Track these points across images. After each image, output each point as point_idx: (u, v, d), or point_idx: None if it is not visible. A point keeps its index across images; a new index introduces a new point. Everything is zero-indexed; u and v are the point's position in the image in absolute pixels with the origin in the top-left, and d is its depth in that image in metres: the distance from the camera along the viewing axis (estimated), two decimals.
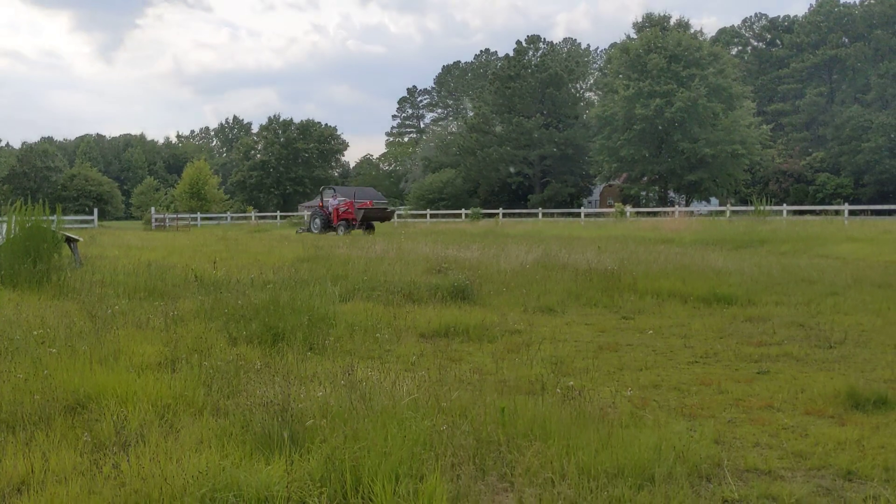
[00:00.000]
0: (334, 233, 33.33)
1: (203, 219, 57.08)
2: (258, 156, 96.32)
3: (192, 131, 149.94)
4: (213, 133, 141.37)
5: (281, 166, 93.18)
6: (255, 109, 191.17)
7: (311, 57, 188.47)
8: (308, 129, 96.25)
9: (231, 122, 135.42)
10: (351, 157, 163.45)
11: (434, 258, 15.69)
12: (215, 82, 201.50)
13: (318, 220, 35.43)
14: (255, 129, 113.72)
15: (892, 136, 68.62)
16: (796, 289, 12.04)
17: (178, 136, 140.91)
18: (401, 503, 3.76)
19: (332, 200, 36.06)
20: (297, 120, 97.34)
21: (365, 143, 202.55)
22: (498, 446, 4.47)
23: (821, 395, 5.89)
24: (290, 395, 4.96)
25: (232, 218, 60.80)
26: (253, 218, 60.55)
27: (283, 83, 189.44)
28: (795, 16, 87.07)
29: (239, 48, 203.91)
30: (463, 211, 54.20)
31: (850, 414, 5.48)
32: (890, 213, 41.47)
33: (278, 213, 62.62)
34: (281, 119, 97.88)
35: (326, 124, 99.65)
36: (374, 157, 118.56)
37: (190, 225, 51.87)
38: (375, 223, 35.32)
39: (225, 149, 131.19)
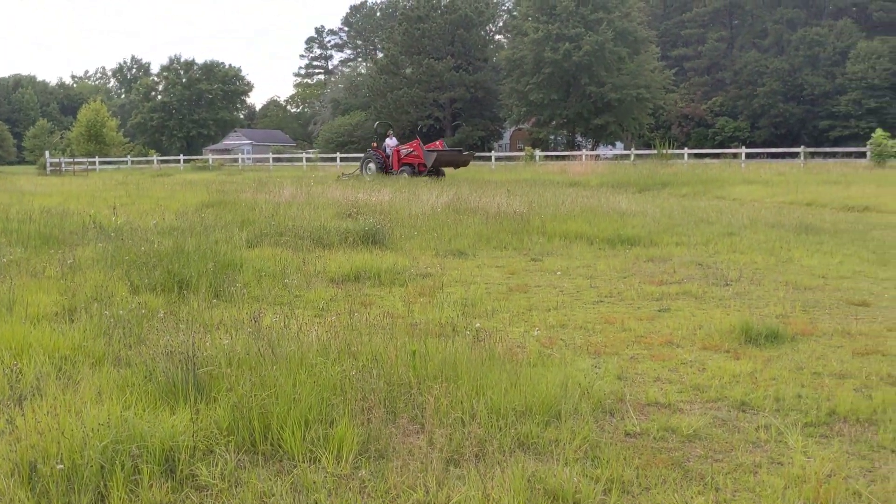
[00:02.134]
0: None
1: (102, 163, 54.71)
2: (159, 97, 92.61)
3: (87, 72, 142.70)
4: (110, 73, 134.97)
5: (184, 108, 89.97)
6: (156, 49, 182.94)
7: None
8: (212, 70, 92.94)
9: (130, 62, 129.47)
10: (257, 99, 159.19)
11: (344, 202, 15.54)
12: (113, 21, 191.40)
13: (372, 165, 30.66)
14: (155, 69, 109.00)
15: (787, 80, 71.17)
16: (696, 230, 12.47)
17: (73, 77, 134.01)
18: (311, 449, 3.76)
19: (391, 141, 31.38)
20: (200, 61, 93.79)
21: (272, 84, 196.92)
22: (409, 389, 4.51)
23: (717, 330, 6.16)
24: (194, 343, 4.85)
25: (133, 162, 58.49)
26: (155, 162, 58.43)
27: (186, 23, 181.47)
28: None
29: None
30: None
31: (745, 348, 5.75)
32: (783, 155, 43.23)
33: (182, 157, 60.59)
34: (183, 59, 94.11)
35: (231, 65, 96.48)
36: (282, 99, 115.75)
37: (88, 169, 49.66)
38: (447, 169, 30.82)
39: (124, 90, 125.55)
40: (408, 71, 66.69)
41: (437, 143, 30.79)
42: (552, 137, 62.98)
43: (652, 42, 61.20)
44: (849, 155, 40.65)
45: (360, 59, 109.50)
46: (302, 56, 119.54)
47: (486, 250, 10.83)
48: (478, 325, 6.00)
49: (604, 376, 5.05)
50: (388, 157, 30.32)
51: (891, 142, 32.19)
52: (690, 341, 5.99)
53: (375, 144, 31.85)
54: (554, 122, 60.73)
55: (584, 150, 52.10)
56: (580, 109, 57.11)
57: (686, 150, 43.30)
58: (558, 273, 9.07)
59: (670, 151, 39.08)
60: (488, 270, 9.34)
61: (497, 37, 77.18)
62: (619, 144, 63.58)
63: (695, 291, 7.88)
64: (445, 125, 67.46)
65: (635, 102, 56.14)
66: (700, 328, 6.33)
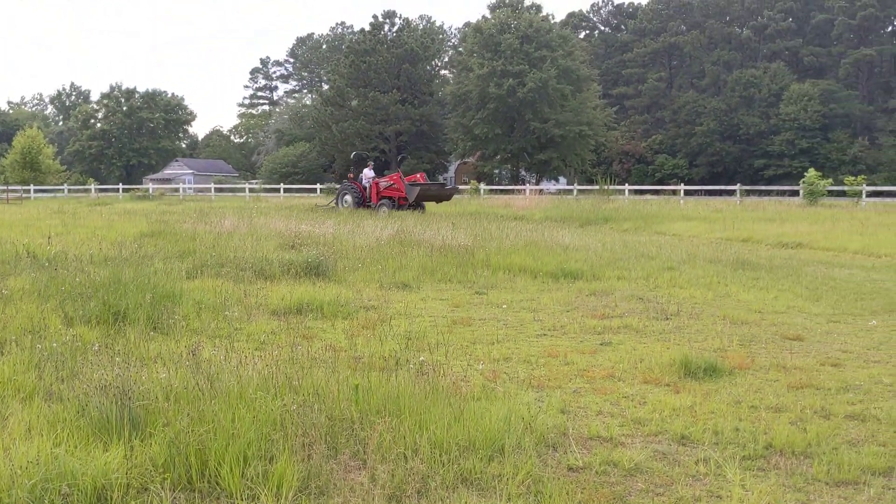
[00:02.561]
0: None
1: (37, 191, 53.26)
2: (98, 125, 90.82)
3: (24, 98, 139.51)
4: (48, 100, 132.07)
5: (124, 137, 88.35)
6: (97, 76, 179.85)
7: (158, 23, 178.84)
8: (154, 99, 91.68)
9: (69, 88, 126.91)
10: (200, 128, 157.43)
11: (287, 234, 15.40)
12: (52, 47, 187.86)
13: (348, 197, 29.15)
14: (95, 97, 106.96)
15: (723, 120, 73.39)
16: (637, 264, 12.67)
17: (9, 103, 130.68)
18: (249, 486, 3.67)
19: (369, 172, 29.84)
20: (142, 89, 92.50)
21: (216, 114, 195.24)
22: (351, 424, 4.44)
23: (658, 364, 6.24)
24: (130, 377, 4.71)
25: (70, 191, 57.12)
26: (93, 191, 57.13)
27: (128, 50, 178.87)
28: (639, 3, 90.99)
29: None
30: (318, 186, 53.41)
31: (684, 382, 5.83)
32: (720, 193, 44.40)
33: (121, 186, 59.41)
34: (124, 87, 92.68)
35: (173, 94, 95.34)
36: (225, 129, 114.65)
37: (22, 198, 48.29)
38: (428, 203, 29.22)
39: (62, 117, 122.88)
40: (353, 103, 66.82)
41: (418, 175, 29.50)
42: (497, 171, 63.66)
43: (594, 80, 62.60)
44: (783, 193, 41.96)
45: (305, 91, 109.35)
46: (246, 86, 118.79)
47: (431, 283, 10.82)
48: (422, 358, 5.97)
49: (547, 410, 5.06)
50: (365, 189, 29.06)
51: (822, 181, 33.37)
52: (632, 375, 6.05)
53: (352, 176, 30.70)
54: (498, 157, 61.43)
55: (528, 185, 52.76)
56: (524, 144, 57.91)
57: (627, 187, 44.21)
58: (502, 306, 9.11)
59: (612, 187, 39.85)
60: (433, 303, 9.33)
61: (443, 72, 78.05)
62: (562, 179, 64.56)
63: (636, 325, 7.99)
64: (391, 158, 67.65)
65: (578, 139, 57.19)
66: (641, 362, 6.41)
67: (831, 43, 76.55)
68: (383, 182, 28.56)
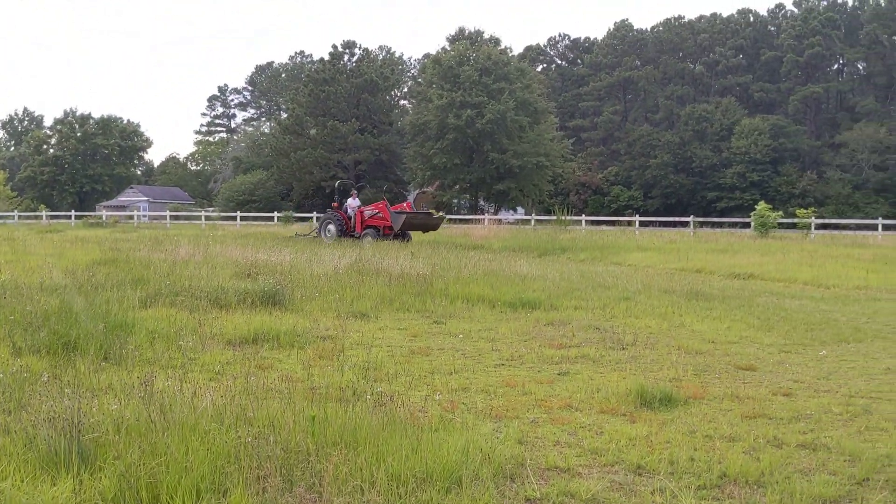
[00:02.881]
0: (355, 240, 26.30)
1: None
2: (51, 151, 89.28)
3: None
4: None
5: (77, 163, 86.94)
6: (51, 102, 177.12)
7: (118, 49, 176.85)
8: (109, 125, 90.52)
9: (21, 113, 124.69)
10: (156, 155, 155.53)
11: (244, 262, 15.23)
12: (4, 71, 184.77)
13: (332, 226, 28.21)
14: (48, 122, 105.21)
15: (677, 153, 74.90)
16: (593, 294, 12.78)
17: None
18: None
19: (353, 201, 29.21)
20: (97, 115, 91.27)
21: (172, 141, 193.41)
22: (307, 456, 4.38)
23: (614, 394, 6.28)
24: (80, 408, 4.60)
25: (20, 217, 55.92)
26: (45, 217, 56.01)
27: (84, 76, 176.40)
28: (595, 38, 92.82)
29: None
30: (276, 214, 53.06)
31: (640, 411, 5.88)
32: (674, 224, 45.16)
33: (73, 213, 58.36)
34: (78, 113, 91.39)
35: (129, 120, 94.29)
36: (181, 156, 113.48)
37: None
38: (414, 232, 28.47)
39: (13, 142, 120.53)
40: (312, 132, 66.76)
41: (405, 204, 29.00)
42: (455, 201, 63.92)
43: (551, 113, 63.47)
44: (734, 225, 42.81)
45: (263, 119, 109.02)
46: (204, 114, 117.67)
47: (389, 312, 10.78)
48: (379, 388, 5.94)
49: (505, 441, 5.05)
50: (349, 218, 28.30)
51: (773, 214, 34.14)
52: (589, 405, 6.07)
53: (336, 204, 29.67)
54: (457, 186, 61.74)
55: (486, 214, 53.05)
56: (483, 175, 58.31)
57: (584, 217, 44.75)
58: (460, 336, 9.10)
59: (569, 218, 40.33)
60: (390, 333, 9.29)
61: (402, 102, 78.49)
62: (520, 209, 65.04)
63: (593, 355, 8.04)
64: (349, 186, 67.64)
65: (535, 170, 57.79)
66: (598, 392, 6.44)
67: (780, 79, 78.82)
68: (368, 211, 27.99)
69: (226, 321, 9.20)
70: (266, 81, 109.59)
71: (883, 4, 76.02)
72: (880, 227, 39.98)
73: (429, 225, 28.44)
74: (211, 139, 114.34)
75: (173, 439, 4.17)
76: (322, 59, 73.23)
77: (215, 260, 15.81)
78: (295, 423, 4.74)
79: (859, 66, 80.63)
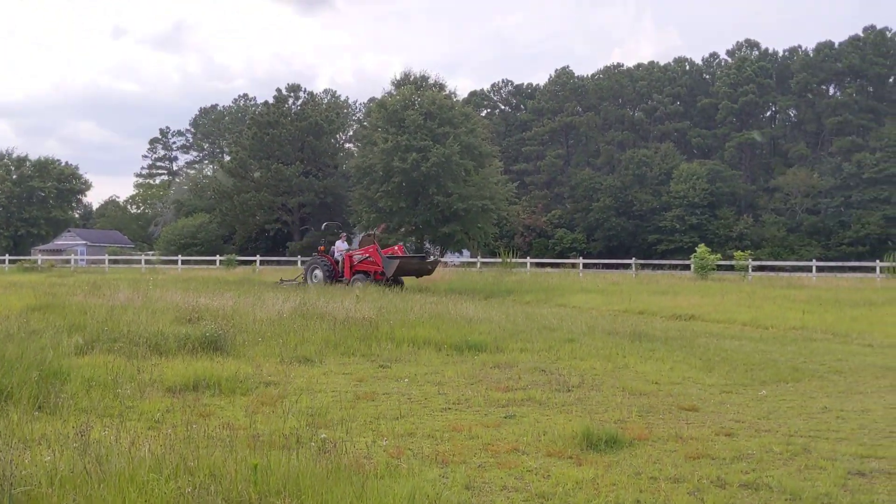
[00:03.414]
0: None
1: None
2: None
3: None
4: None
5: (12, 206, 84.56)
6: None
7: (55, 90, 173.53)
8: (46, 167, 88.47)
9: None
10: (95, 198, 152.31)
11: (185, 307, 14.93)
12: None
13: (318, 272, 26.59)
14: None
15: (618, 196, 76.43)
16: (539, 336, 12.85)
17: None
18: None
19: (342, 244, 27.65)
20: (34, 157, 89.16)
21: (111, 184, 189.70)
22: None
23: (561, 436, 6.28)
24: (12, 460, 4.41)
25: None
26: None
27: (21, 117, 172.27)
28: (537, 84, 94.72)
29: None
30: (218, 257, 52.29)
31: (586, 454, 5.89)
32: (617, 266, 45.84)
33: (7, 257, 56.62)
34: (14, 155, 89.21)
35: (67, 163, 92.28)
36: (121, 199, 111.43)
37: None
38: (408, 278, 26.73)
39: None
40: (256, 174, 66.32)
41: (396, 247, 27.34)
42: (401, 244, 63.93)
43: (496, 156, 64.24)
44: (675, 267, 43.67)
45: (206, 161, 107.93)
46: (145, 156, 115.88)
47: (334, 357, 10.65)
48: (323, 435, 5.84)
49: (451, 486, 5.00)
50: (337, 262, 26.70)
51: (712, 256, 34.95)
52: (535, 448, 6.06)
53: (323, 248, 28.12)
54: (403, 229, 61.79)
55: (432, 257, 53.11)
56: (428, 217, 58.52)
57: (529, 260, 45.18)
58: (406, 380, 9.03)
59: (514, 260, 40.72)
60: (335, 378, 9.17)
61: (347, 145, 78.65)
62: (465, 252, 65.34)
63: (539, 397, 8.05)
64: (294, 229, 67.16)
65: (481, 212, 58.24)
66: (544, 434, 6.44)
67: (716, 126, 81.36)
68: (357, 255, 26.32)
69: (166, 367, 8.98)
70: (209, 124, 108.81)
71: (811, 55, 79.43)
72: (814, 269, 41.19)
73: (423, 270, 26.70)
74: (152, 182, 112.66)
75: (110, 491, 4.02)
76: (266, 103, 73.11)
77: (155, 304, 15.47)
78: (237, 473, 4.62)
79: (791, 113, 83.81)
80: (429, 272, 26.79)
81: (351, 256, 26.32)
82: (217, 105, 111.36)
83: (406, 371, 9.67)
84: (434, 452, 5.86)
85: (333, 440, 5.68)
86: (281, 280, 28.66)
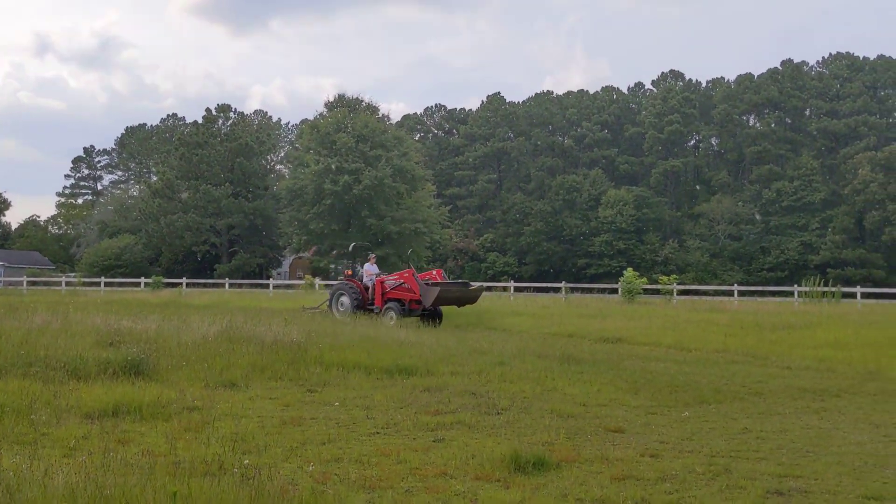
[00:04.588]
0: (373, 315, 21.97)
1: None
2: None
3: None
4: None
5: None
6: None
7: None
8: None
9: None
10: (14, 218, 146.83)
11: (106, 330, 14.45)
12: None
13: (345, 299, 23.23)
14: None
15: (549, 221, 77.62)
16: (469, 359, 12.86)
17: None
18: None
19: (371, 268, 24.23)
20: None
21: (32, 203, 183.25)
22: None
23: (489, 459, 6.28)
24: None
25: None
26: None
27: None
28: (470, 109, 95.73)
29: None
30: (143, 280, 50.94)
31: (514, 477, 5.90)
32: (547, 290, 46.36)
33: None
34: None
35: None
36: (42, 218, 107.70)
37: None
38: (448, 308, 23.35)
39: None
40: (184, 196, 65.07)
41: (434, 272, 23.96)
42: (333, 267, 63.46)
43: (428, 180, 64.56)
44: (603, 291, 44.34)
45: (132, 182, 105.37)
46: (68, 175, 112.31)
47: (261, 381, 10.45)
48: (247, 461, 5.71)
49: None
50: (367, 289, 23.32)
51: (638, 280, 35.64)
52: (463, 471, 6.04)
53: (350, 272, 25.13)
54: (335, 252, 61.40)
55: None
56: (361, 240, 58.33)
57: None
58: (335, 404, 8.92)
59: None
60: (261, 403, 8.99)
61: (278, 166, 77.89)
62: None
63: (468, 421, 8.04)
64: (222, 251, 66.01)
65: (413, 236, 58.34)
66: (473, 458, 6.43)
67: (643, 153, 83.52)
68: (390, 280, 23.00)
69: (84, 392, 8.66)
70: (136, 143, 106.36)
71: (733, 87, 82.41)
72: (736, 293, 42.40)
73: (465, 298, 23.22)
74: (75, 202, 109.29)
75: None
76: (195, 122, 72.01)
77: (75, 328, 14.93)
78: (156, 501, 4.47)
79: (713, 142, 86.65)
80: (472, 301, 23.40)
81: (382, 282, 23.09)
82: (144, 124, 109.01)
83: (334, 395, 9.55)
84: (361, 478, 5.79)
85: (258, 466, 5.56)
86: (303, 308, 25.37)
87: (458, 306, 23.56)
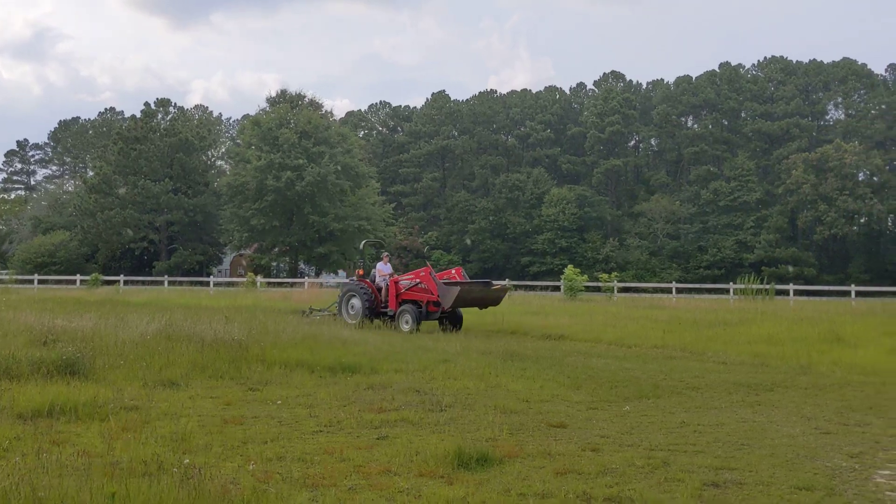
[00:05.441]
0: (386, 321, 20.46)
1: None
2: None
3: None
4: None
5: None
6: None
7: None
8: None
9: None
10: None
11: (40, 328, 14.05)
12: None
13: (356, 300, 21.27)
14: None
15: (492, 219, 78.10)
16: (413, 356, 12.87)
17: None
18: None
19: (385, 267, 22.17)
20: None
21: None
22: None
23: (433, 456, 6.29)
24: None
25: None
26: None
27: None
28: (415, 107, 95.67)
29: None
30: (79, 277, 49.63)
31: (458, 473, 5.93)
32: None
33: None
34: None
35: None
36: None
37: None
38: (467, 309, 21.44)
39: None
40: (121, 191, 63.55)
41: (454, 271, 21.90)
42: (275, 264, 62.75)
43: (373, 177, 64.29)
44: (546, 288, 44.81)
45: (67, 177, 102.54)
46: (0, 169, 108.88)
47: (201, 380, 10.28)
48: (187, 461, 5.61)
49: None
50: (380, 290, 21.38)
51: (580, 278, 36.14)
52: (407, 468, 6.05)
53: (362, 272, 22.61)
54: (277, 249, 60.72)
55: (307, 278, 52.39)
56: (303, 237, 57.77)
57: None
58: (277, 403, 8.83)
59: None
60: (202, 402, 8.85)
61: (219, 162, 76.63)
62: (341, 273, 64.83)
63: (412, 418, 8.05)
64: (161, 248, 64.73)
65: (357, 233, 58.03)
66: (417, 455, 6.44)
67: (585, 153, 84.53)
68: (405, 280, 21.16)
69: (17, 393, 8.41)
70: (71, 137, 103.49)
71: (672, 89, 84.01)
72: (674, 291, 43.33)
73: (488, 299, 21.22)
74: (7, 197, 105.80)
75: None
76: (134, 117, 70.38)
77: (6, 326, 14.50)
78: (93, 502, 4.37)
79: (653, 142, 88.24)
80: (495, 302, 21.50)
81: (397, 282, 21.21)
82: (79, 118, 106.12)
83: (277, 394, 9.45)
84: (304, 476, 5.75)
85: (198, 466, 5.47)
86: (310, 309, 23.33)
87: (480, 308, 21.67)
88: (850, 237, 71.43)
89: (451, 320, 20.39)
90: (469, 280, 21.79)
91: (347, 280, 24.24)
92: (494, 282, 23.64)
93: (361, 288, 21.40)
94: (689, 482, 5.81)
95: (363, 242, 26.64)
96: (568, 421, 8.13)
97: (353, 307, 21.34)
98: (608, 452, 6.75)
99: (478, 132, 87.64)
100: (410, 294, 20.58)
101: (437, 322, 20.29)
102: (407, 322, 19.63)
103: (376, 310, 21.03)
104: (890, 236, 72.74)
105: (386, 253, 23.64)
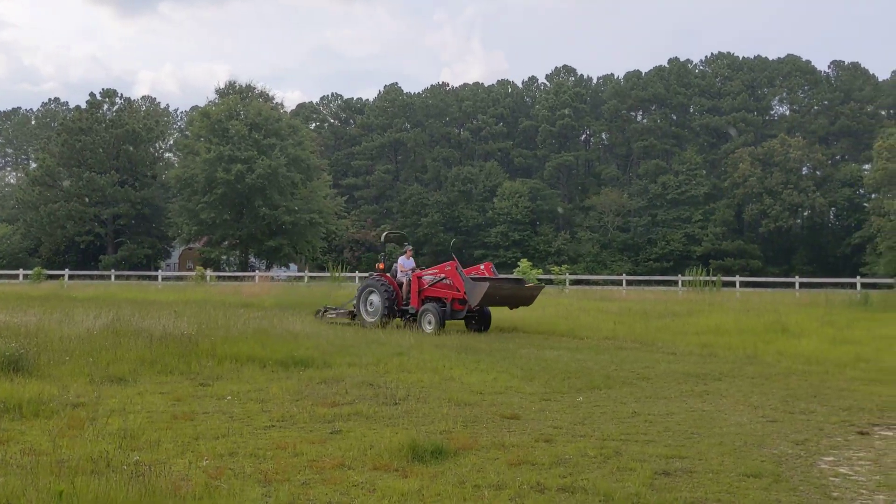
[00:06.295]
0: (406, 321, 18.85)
1: None
2: None
3: None
4: None
5: None
6: None
7: None
8: None
9: None
10: None
11: None
12: None
13: (374, 297, 19.38)
14: None
15: (445, 212, 78.20)
16: (367, 350, 12.82)
17: None
18: None
19: (407, 262, 20.18)
20: None
21: None
22: None
23: (387, 449, 6.28)
24: None
25: None
26: None
27: None
28: (367, 99, 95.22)
29: None
30: (21, 271, 48.34)
31: (412, 466, 5.92)
32: None
33: None
34: None
35: None
36: None
37: None
38: (495, 308, 19.49)
39: None
40: (66, 184, 62.05)
41: (482, 266, 19.78)
42: (224, 258, 61.93)
43: (324, 170, 63.86)
44: None
45: (9, 169, 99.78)
46: None
47: (150, 375, 10.10)
48: (136, 458, 5.51)
49: None
50: (401, 286, 19.51)
51: (533, 271, 36.40)
52: (362, 462, 6.02)
53: (382, 266, 20.47)
54: (226, 243, 59.97)
55: (257, 271, 51.84)
56: (253, 231, 57.12)
57: (357, 274, 45.03)
58: (228, 398, 8.72)
59: (343, 274, 40.43)
60: (151, 397, 8.69)
61: (167, 154, 75.29)
62: (292, 266, 64.30)
63: (366, 411, 8.02)
64: (107, 242, 63.38)
65: (308, 226, 57.59)
66: (371, 448, 6.41)
67: (537, 147, 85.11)
68: (428, 275, 19.26)
69: None
70: (13, 128, 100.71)
71: (622, 83, 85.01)
72: (624, 283, 43.95)
73: (519, 297, 19.19)
74: None
75: None
76: (79, 108, 68.71)
77: None
78: (39, 501, 4.26)
79: (603, 136, 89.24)
80: (527, 302, 19.58)
81: (420, 277, 19.33)
82: (20, 108, 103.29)
83: (228, 389, 9.33)
84: (257, 471, 5.68)
85: (148, 463, 5.38)
86: (325, 308, 21.43)
87: (511, 307, 19.69)
88: (794, 230, 73.30)
89: (480, 319, 18.69)
90: (499, 276, 20.25)
91: (370, 275, 22.23)
92: (527, 281, 21.97)
93: (381, 283, 19.61)
94: (641, 471, 5.89)
95: (384, 235, 23.76)
96: (521, 412, 8.18)
97: (371, 304, 19.54)
98: (561, 443, 6.81)
99: (430, 125, 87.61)
100: (434, 290, 18.84)
101: (463, 322, 18.69)
102: (430, 322, 17.88)
103: (397, 306, 19.32)
104: (832, 229, 74.75)
105: (409, 247, 21.36)
